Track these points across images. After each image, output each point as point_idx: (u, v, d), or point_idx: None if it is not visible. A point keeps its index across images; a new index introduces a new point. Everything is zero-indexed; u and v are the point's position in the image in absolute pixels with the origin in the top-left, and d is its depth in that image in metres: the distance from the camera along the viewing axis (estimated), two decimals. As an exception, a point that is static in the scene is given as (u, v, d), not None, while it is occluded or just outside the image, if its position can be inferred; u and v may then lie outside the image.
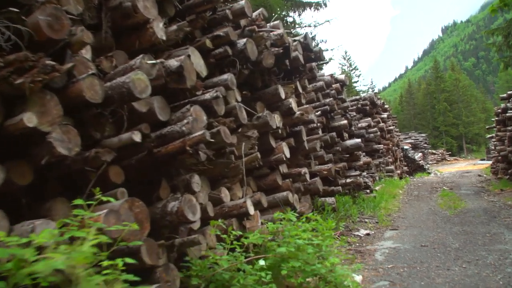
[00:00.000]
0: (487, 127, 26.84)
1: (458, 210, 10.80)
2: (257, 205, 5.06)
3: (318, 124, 7.75)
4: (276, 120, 6.11)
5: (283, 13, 26.06)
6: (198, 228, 4.39)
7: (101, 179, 3.48)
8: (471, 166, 36.32)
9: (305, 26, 28.28)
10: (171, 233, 3.85)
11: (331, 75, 10.89)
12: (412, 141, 39.75)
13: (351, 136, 12.10)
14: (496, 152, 21.51)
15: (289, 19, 27.39)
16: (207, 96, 4.20)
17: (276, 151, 6.11)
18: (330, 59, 29.10)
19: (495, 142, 21.63)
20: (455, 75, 78.89)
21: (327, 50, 31.69)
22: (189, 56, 4.00)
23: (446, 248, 6.28)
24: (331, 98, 9.34)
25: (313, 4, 25.67)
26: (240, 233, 4.23)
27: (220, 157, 5.10)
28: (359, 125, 20.06)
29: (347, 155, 11.03)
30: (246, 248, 4.62)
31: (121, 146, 3.15)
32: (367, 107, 21.71)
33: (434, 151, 52.42)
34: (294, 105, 6.62)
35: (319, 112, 8.28)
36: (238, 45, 5.30)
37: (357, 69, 68.80)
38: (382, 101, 25.38)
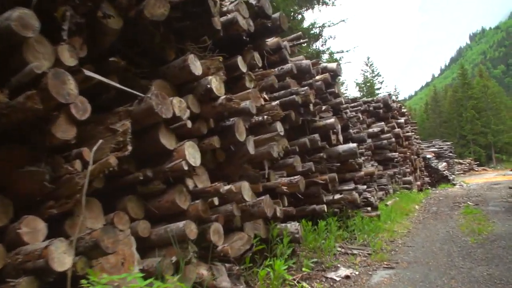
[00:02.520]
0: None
1: (483, 236, 8.21)
2: (93, 249, 2.75)
3: (266, 118, 5.35)
4: (175, 106, 3.79)
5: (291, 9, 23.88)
6: None
7: None
8: (500, 177, 32.98)
9: (319, 27, 25.98)
10: None
11: (316, 61, 8.51)
12: (436, 149, 36.74)
13: (348, 141, 9.62)
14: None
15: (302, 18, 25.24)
16: None
17: (175, 155, 3.78)
18: (335, 58, 26.46)
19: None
20: (484, 81, 75.05)
21: (342, 51, 29.26)
22: None
23: (457, 317, 3.82)
24: (307, 88, 6.92)
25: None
26: None
27: (34, 163, 2.84)
28: (371, 130, 17.65)
29: (338, 164, 8.59)
30: None
31: None
32: (381, 110, 19.17)
33: (460, 161, 49.01)
34: (216, 85, 4.28)
35: (276, 102, 5.86)
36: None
37: (380, 76, 66.06)
38: (398, 104, 22.75)
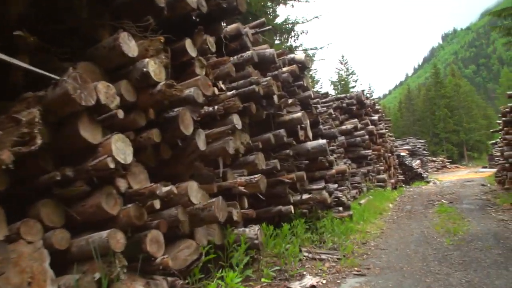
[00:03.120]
0: (491, 130, 23.74)
1: (459, 236, 7.79)
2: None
3: (217, 108, 4.72)
4: (100, 92, 3.16)
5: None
6: None
7: None
8: (472, 174, 33.24)
9: (292, 23, 25.52)
10: None
11: (282, 52, 7.94)
12: (410, 147, 36.78)
13: (318, 138, 9.07)
14: (502, 159, 18.35)
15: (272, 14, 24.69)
16: None
17: (100, 151, 3.14)
18: (308, 54, 26.00)
19: (502, 147, 18.46)
20: (456, 80, 76.01)
21: (316, 48, 28.87)
22: None
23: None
24: (270, 77, 6.33)
25: (293, -5, 22.79)
26: None
27: None
28: (344, 127, 17.25)
29: (307, 162, 8.05)
30: None
31: None
32: (354, 107, 18.79)
33: (434, 159, 49.42)
34: (154, 69, 3.65)
35: (232, 92, 5.21)
36: None
37: (355, 74, 66.25)
38: (372, 101, 22.43)
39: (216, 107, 4.63)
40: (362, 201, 13.68)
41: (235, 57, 5.94)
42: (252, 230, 4.91)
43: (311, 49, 28.47)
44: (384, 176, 20.38)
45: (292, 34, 22.98)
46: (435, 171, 43.59)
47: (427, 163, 39.98)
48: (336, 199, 9.45)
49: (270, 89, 6.14)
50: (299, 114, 7.40)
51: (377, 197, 15.77)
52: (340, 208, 9.42)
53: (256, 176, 5.34)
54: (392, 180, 22.87)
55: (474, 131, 68.17)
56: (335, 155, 12.32)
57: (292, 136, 7.52)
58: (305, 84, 8.65)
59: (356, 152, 17.52)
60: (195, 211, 4.17)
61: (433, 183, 27.03)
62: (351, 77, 65.79)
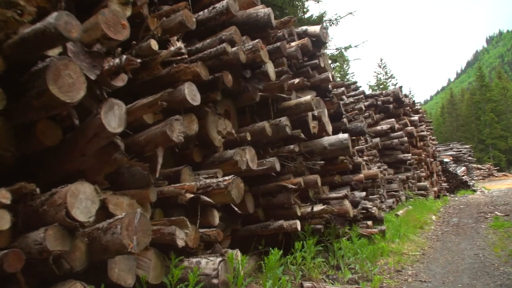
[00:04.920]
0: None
1: (529, 263, 5.73)
2: None
3: (126, 59, 2.72)
4: None
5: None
6: None
7: None
8: (523, 183, 30.15)
9: (326, 20, 23.90)
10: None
11: (288, 19, 6.09)
12: (454, 153, 33.84)
13: (339, 133, 7.17)
14: None
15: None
16: None
17: None
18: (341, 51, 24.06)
19: None
20: (503, 83, 71.69)
21: (350, 46, 26.99)
22: None
23: None
24: (258, 40, 4.47)
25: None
26: None
27: None
28: (379, 127, 15.24)
29: (322, 162, 6.20)
30: None
31: None
32: (390, 105, 16.64)
33: (479, 166, 45.93)
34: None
35: (178, 46, 3.33)
36: None
37: (394, 78, 63.52)
38: (411, 99, 20.18)
39: (124, 57, 2.77)
40: (400, 212, 11.67)
41: (205, 10, 4.19)
42: (211, 263, 3.09)
43: (345, 47, 26.64)
44: (425, 183, 18.17)
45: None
46: (481, 179, 40.33)
47: (472, 170, 36.92)
48: (364, 211, 7.51)
49: (256, 55, 4.28)
50: (308, 97, 5.54)
51: (417, 207, 13.71)
52: (369, 223, 7.46)
53: (226, 178, 3.53)
54: (435, 188, 20.55)
55: (524, 136, 63.90)
56: (365, 158, 10.37)
57: (301, 128, 5.70)
58: (322, 65, 6.79)
59: (393, 156, 15.49)
60: (96, 233, 2.43)
61: (480, 191, 24.37)
62: (390, 81, 63.18)
